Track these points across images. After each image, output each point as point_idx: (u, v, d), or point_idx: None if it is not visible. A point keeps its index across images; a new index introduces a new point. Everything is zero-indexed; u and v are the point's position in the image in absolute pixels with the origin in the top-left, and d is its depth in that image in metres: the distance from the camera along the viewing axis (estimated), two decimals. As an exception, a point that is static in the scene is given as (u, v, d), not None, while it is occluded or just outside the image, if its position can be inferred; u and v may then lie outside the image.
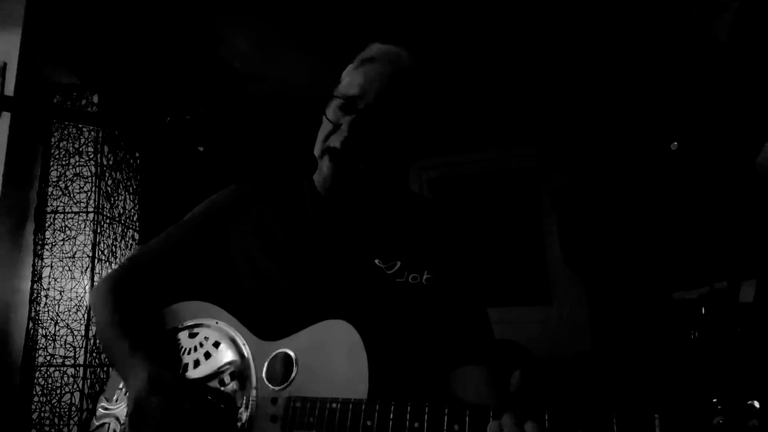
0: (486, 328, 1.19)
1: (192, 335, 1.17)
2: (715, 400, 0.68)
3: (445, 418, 0.85)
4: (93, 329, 2.51)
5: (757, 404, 0.66)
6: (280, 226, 1.22)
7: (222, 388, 1.08)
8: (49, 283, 2.51)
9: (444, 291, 1.16)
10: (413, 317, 1.12)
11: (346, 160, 1.14)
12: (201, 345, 1.14)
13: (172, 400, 1.00)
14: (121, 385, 1.19)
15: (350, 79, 1.19)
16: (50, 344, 2.46)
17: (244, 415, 1.03)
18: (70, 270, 2.53)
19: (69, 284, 2.51)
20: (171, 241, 1.26)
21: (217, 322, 1.16)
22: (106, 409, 1.19)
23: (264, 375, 1.05)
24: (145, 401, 1.00)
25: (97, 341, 2.53)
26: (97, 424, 1.19)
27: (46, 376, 2.43)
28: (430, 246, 1.19)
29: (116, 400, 1.18)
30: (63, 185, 2.59)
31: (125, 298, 1.21)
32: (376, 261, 1.15)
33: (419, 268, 1.15)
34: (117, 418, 1.16)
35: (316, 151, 1.20)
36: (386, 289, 1.13)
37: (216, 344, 1.13)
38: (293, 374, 1.02)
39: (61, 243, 2.55)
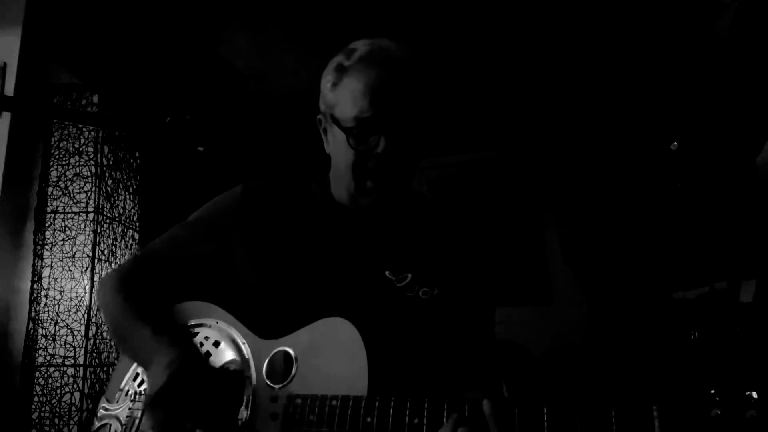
0: (491, 353, 1.17)
1: (193, 335, 1.17)
2: (713, 392, 0.68)
3: (445, 413, 0.85)
4: (93, 329, 2.51)
5: (755, 395, 0.66)
6: (288, 227, 1.20)
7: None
8: (49, 283, 2.50)
9: (454, 310, 1.14)
10: (420, 332, 1.11)
11: (390, 179, 1.11)
12: (201, 345, 1.14)
13: (205, 380, 1.01)
14: (122, 385, 1.19)
15: (349, 98, 1.09)
16: (50, 344, 2.46)
17: (245, 414, 1.03)
18: (70, 270, 2.53)
19: (69, 284, 2.51)
20: (177, 241, 1.24)
21: (217, 322, 1.16)
22: (106, 409, 1.20)
23: (264, 373, 1.05)
24: (180, 377, 0.99)
25: (98, 339, 2.54)
26: (98, 424, 1.19)
27: (46, 376, 2.43)
28: (441, 259, 1.16)
29: (117, 401, 1.18)
30: (63, 185, 2.59)
31: (136, 290, 1.20)
32: (387, 273, 1.13)
33: (430, 283, 1.13)
34: (118, 419, 1.16)
35: (342, 170, 1.14)
36: (395, 303, 1.11)
37: (216, 344, 1.13)
38: (293, 372, 1.02)
39: (61, 243, 2.55)
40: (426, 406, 0.87)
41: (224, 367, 1.09)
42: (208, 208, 1.27)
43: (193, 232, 1.24)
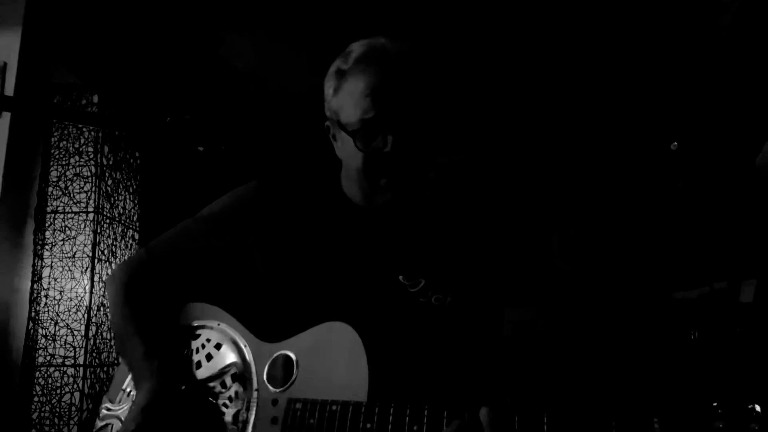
0: (498, 363, 1.17)
1: (195, 337, 1.17)
2: (715, 404, 0.67)
3: (444, 420, 0.85)
4: (93, 329, 2.51)
5: (758, 408, 0.65)
6: (302, 226, 1.19)
7: (223, 390, 1.08)
8: (49, 283, 2.50)
9: (466, 319, 1.13)
10: (430, 339, 1.10)
11: (403, 175, 1.10)
12: (203, 347, 1.14)
13: (172, 415, 1.04)
14: (124, 386, 1.20)
15: (351, 101, 1.08)
16: (50, 344, 2.46)
17: (245, 416, 1.03)
18: (70, 270, 2.53)
19: (69, 284, 2.51)
20: (189, 234, 1.22)
21: (219, 324, 1.16)
22: (109, 410, 1.20)
23: (265, 377, 1.05)
24: (150, 411, 1.04)
25: (98, 339, 2.54)
26: (100, 424, 1.19)
27: (46, 376, 2.43)
28: (456, 265, 1.15)
29: (119, 401, 1.19)
30: (63, 185, 2.59)
31: (139, 292, 1.19)
32: (400, 277, 1.12)
33: (444, 290, 1.12)
34: (120, 419, 1.16)
35: (354, 173, 1.12)
36: (406, 308, 1.10)
37: (218, 346, 1.13)
38: (294, 376, 1.02)
39: (61, 243, 2.55)
40: (426, 413, 0.87)
41: (209, 392, 1.10)
42: (221, 203, 1.25)
43: (205, 226, 1.22)
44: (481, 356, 1.15)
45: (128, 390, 1.19)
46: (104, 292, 2.59)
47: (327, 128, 1.19)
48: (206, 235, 1.21)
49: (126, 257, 2.81)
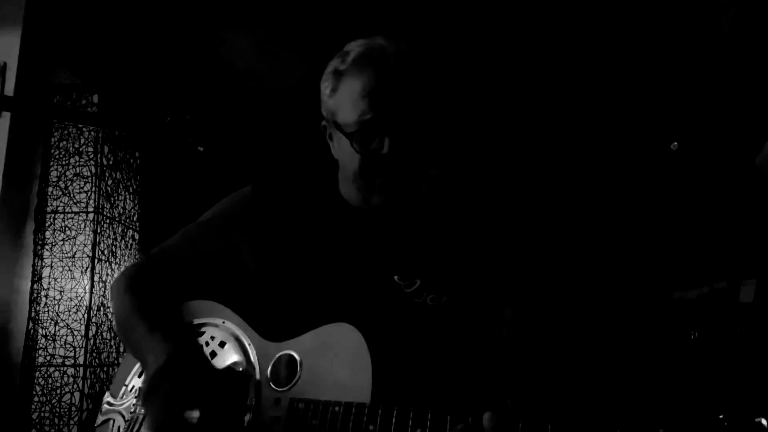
0: (497, 363, 1.17)
1: (198, 334, 1.17)
2: (721, 417, 0.67)
3: (447, 425, 0.85)
4: (93, 329, 2.51)
5: (764, 422, 0.65)
6: (297, 228, 1.19)
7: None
8: (49, 283, 2.50)
9: (462, 319, 1.13)
10: (426, 340, 1.09)
11: (400, 176, 1.10)
12: (207, 344, 1.14)
13: (186, 382, 0.99)
14: (126, 381, 1.20)
15: (349, 102, 1.08)
16: (50, 344, 2.46)
17: (248, 417, 1.03)
18: (70, 270, 2.53)
19: (69, 284, 2.51)
20: (189, 240, 1.24)
21: (223, 322, 1.16)
22: (111, 404, 1.20)
23: (268, 376, 1.05)
24: (171, 368, 0.98)
25: (98, 339, 2.54)
26: (102, 419, 1.19)
27: (46, 376, 2.43)
28: (451, 265, 1.14)
29: (121, 396, 1.19)
30: (63, 185, 2.59)
31: (143, 286, 1.20)
32: (395, 278, 1.12)
33: (439, 290, 1.11)
34: (122, 414, 1.17)
35: (351, 174, 1.12)
36: (402, 309, 1.10)
37: (222, 344, 1.12)
38: (297, 376, 1.02)
39: (61, 243, 2.55)
40: (429, 417, 0.87)
41: (228, 367, 1.08)
42: (218, 208, 1.27)
43: (204, 231, 1.24)
44: (479, 356, 1.15)
45: (131, 385, 1.19)
46: (104, 292, 2.59)
47: (323, 128, 1.19)
48: (205, 240, 1.23)
49: (126, 257, 2.81)
